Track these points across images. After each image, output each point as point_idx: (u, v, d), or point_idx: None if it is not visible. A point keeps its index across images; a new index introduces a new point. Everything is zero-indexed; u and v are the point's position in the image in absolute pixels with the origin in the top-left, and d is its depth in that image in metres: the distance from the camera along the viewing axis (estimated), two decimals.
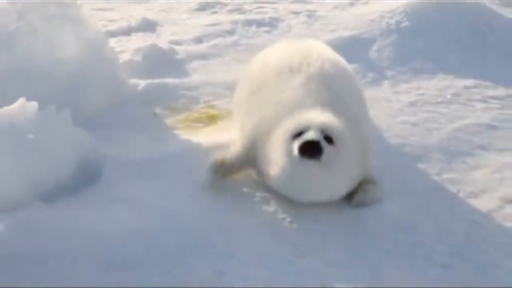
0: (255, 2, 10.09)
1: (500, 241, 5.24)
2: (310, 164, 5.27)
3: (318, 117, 5.42)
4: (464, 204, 5.70)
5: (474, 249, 5.14)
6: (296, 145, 5.25)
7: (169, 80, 7.71)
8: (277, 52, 6.59)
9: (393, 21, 8.86)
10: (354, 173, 5.57)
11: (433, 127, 6.80)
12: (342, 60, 6.50)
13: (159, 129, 6.85)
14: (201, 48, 8.70)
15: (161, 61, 8.23)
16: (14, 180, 5.47)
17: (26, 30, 6.90)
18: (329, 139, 5.29)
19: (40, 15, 7.00)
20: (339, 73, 6.21)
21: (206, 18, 9.60)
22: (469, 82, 7.74)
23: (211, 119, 7.05)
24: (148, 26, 9.37)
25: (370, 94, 7.45)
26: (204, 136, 6.61)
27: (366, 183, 5.66)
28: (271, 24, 9.34)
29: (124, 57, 8.16)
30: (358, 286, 4.73)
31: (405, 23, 8.82)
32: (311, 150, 5.22)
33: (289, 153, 5.32)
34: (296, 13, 9.81)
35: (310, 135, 5.25)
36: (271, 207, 5.55)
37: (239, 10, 9.87)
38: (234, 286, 4.71)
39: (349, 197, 5.62)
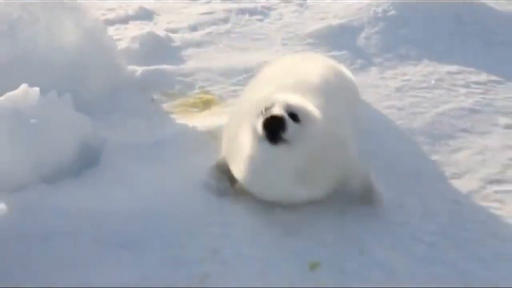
0: None
1: (480, 219, 5.27)
2: (277, 147, 4.76)
3: (283, 96, 4.98)
4: (447, 185, 5.72)
5: (456, 227, 5.16)
6: (260, 122, 4.74)
7: (165, 67, 7.71)
8: (270, 67, 6.38)
9: (380, 10, 8.87)
10: (328, 166, 5.10)
11: (418, 111, 6.82)
12: (333, 73, 6.09)
13: (156, 114, 6.86)
14: (196, 35, 8.69)
15: (157, 49, 8.23)
16: (18, 163, 5.49)
17: (28, 19, 6.90)
18: (294, 116, 4.79)
19: (41, 5, 7.00)
20: (321, 83, 5.67)
21: (201, 7, 9.60)
22: (453, 68, 7.75)
23: (206, 104, 7.06)
24: (145, 14, 9.36)
25: (358, 80, 7.45)
26: (199, 120, 6.62)
27: (363, 191, 5.30)
28: (263, 12, 9.34)
29: (122, 45, 8.16)
30: (347, 263, 4.76)
31: (392, 12, 8.83)
32: (276, 124, 4.68)
33: (254, 132, 4.85)
34: (287, 2, 9.84)
35: (272, 110, 4.73)
36: None
37: None
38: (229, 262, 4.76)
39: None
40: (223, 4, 9.77)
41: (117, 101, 7.01)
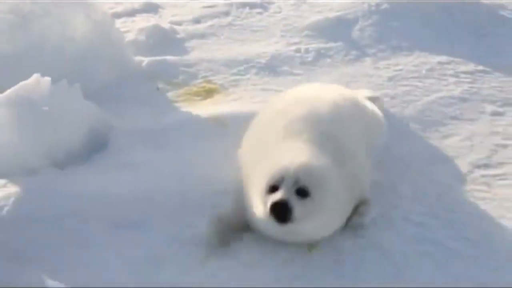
0: None
1: (468, 201, 5.29)
2: (283, 225, 4.50)
3: (293, 163, 4.57)
4: (437, 169, 5.72)
5: (445, 208, 5.17)
6: (267, 206, 4.47)
7: (170, 58, 7.70)
8: (283, 96, 5.77)
9: (373, 4, 8.82)
10: (343, 209, 4.85)
11: (410, 99, 6.81)
12: (345, 100, 5.55)
13: (161, 102, 6.86)
14: (199, 28, 8.67)
15: (162, 40, 8.21)
16: (30, 148, 5.52)
17: (40, 13, 6.91)
18: (304, 192, 4.51)
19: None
20: (334, 111, 5.25)
21: (203, 1, 9.54)
22: (443, 58, 7.73)
23: (209, 93, 7.06)
24: (151, 8, 9.33)
25: (353, 70, 7.50)
26: (202, 108, 6.62)
27: (360, 205, 5.03)
28: (263, 6, 9.29)
29: (129, 37, 8.15)
30: (343, 244, 4.78)
31: (385, 5, 8.79)
32: (280, 210, 4.42)
33: (264, 209, 4.55)
34: None
35: (276, 196, 4.45)
36: None
37: None
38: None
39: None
40: None
41: (124, 90, 7.01)
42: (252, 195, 4.70)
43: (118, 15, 8.88)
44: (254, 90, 7.10)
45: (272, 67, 7.57)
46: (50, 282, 4.46)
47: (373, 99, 6.25)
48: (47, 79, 5.76)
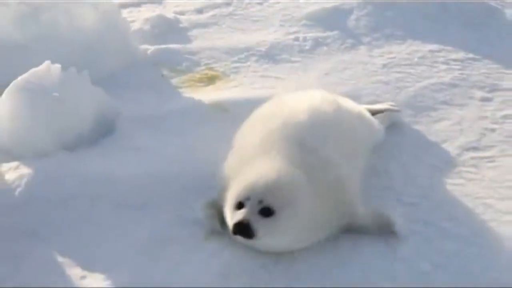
0: None
1: (457, 183, 5.27)
2: (248, 240, 4.30)
3: (259, 182, 4.29)
4: (428, 152, 5.71)
5: (436, 190, 5.16)
6: (231, 224, 4.28)
7: (174, 46, 7.68)
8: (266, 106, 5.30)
9: None
10: (321, 222, 4.48)
11: (402, 85, 6.79)
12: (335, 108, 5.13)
13: (166, 88, 6.86)
14: (201, 18, 8.64)
15: (167, 29, 8.20)
16: (41, 132, 5.51)
17: (50, 4, 6.90)
18: (268, 211, 4.21)
19: None
20: (317, 119, 4.88)
21: None
22: (434, 47, 7.70)
23: (211, 80, 7.06)
24: None
25: (349, 57, 7.47)
26: (205, 94, 6.62)
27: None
28: None
29: (135, 26, 8.14)
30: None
31: None
32: (242, 230, 4.19)
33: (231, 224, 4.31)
34: None
35: (239, 216, 4.21)
36: None
37: None
38: None
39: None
40: None
41: (130, 77, 7.01)
42: (226, 206, 4.46)
43: (124, 6, 8.85)
44: (254, 76, 7.10)
45: (272, 55, 7.55)
46: (60, 259, 4.46)
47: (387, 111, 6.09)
48: (58, 66, 5.75)
